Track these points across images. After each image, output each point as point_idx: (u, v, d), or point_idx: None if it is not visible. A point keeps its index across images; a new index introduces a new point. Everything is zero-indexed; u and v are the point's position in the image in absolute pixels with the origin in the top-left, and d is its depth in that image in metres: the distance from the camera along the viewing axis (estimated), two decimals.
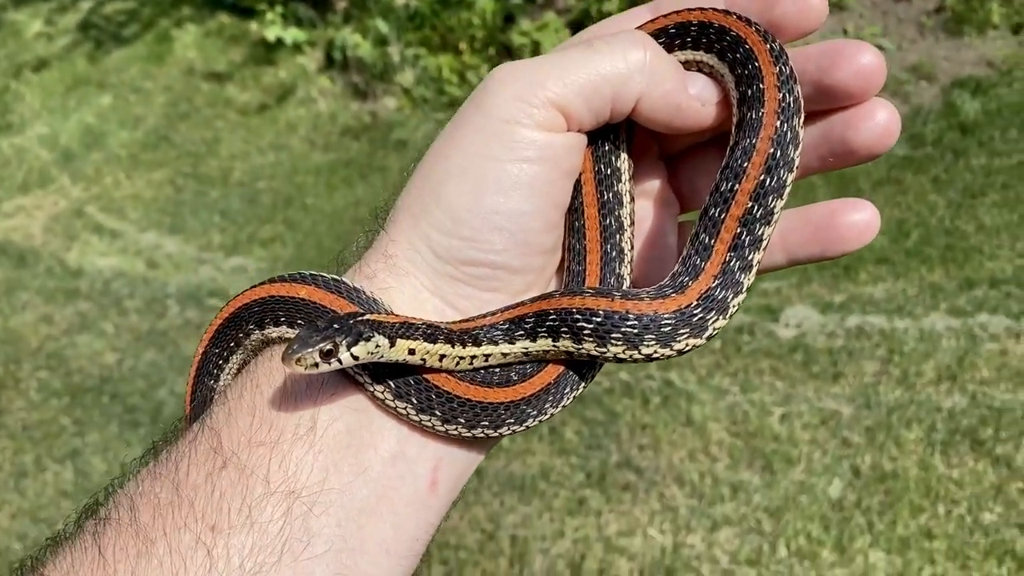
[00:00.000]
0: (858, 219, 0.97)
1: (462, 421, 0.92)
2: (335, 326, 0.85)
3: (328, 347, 0.84)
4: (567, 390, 0.97)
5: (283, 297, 0.94)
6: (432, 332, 0.90)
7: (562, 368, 0.97)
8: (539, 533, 3.89)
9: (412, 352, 0.88)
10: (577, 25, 7.29)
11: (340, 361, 0.84)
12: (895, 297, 4.91)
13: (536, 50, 7.26)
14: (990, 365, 4.40)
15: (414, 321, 0.89)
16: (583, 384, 0.98)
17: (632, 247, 1.03)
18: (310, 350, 0.83)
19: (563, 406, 0.97)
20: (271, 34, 7.76)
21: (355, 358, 0.85)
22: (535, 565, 3.77)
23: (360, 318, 0.87)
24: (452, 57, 7.34)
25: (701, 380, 4.55)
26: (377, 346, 0.86)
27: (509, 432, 0.94)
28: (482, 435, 0.93)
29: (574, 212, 1.02)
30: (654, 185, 1.09)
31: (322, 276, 0.94)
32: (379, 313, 0.90)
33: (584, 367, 0.98)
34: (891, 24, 7.15)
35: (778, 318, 4.89)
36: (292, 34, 7.77)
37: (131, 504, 0.86)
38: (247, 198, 6.80)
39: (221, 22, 8.66)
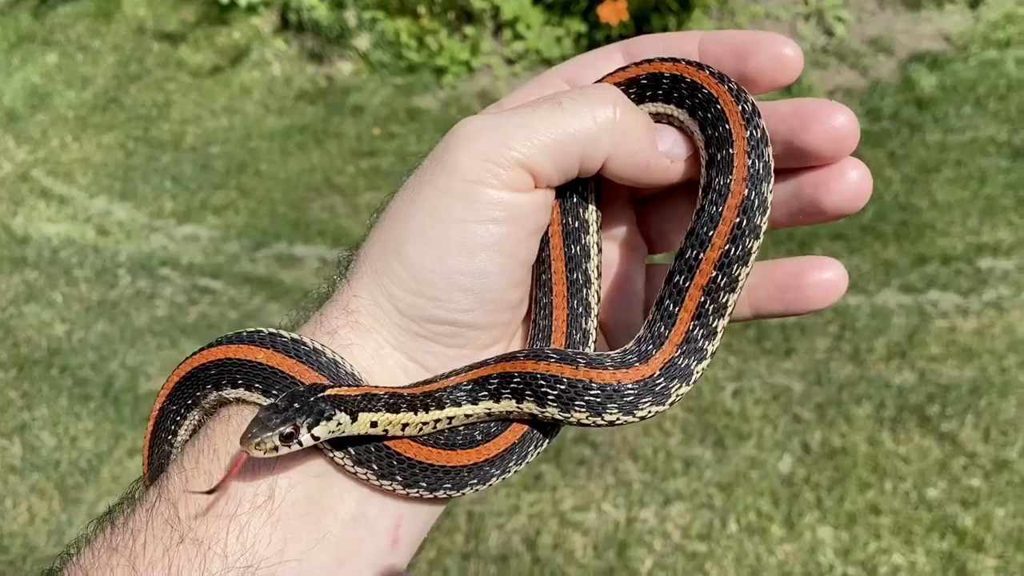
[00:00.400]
0: (825, 278, 0.96)
1: (424, 485, 0.91)
2: (295, 406, 0.83)
3: (288, 430, 0.82)
4: (531, 447, 0.97)
5: (241, 360, 0.92)
6: (394, 401, 0.89)
7: (526, 427, 0.96)
8: (495, 509, 3.92)
9: (374, 424, 0.87)
10: None
11: (300, 443, 0.83)
12: (849, 273, 4.95)
13: (496, 15, 7.15)
14: (939, 342, 4.49)
15: (376, 391, 0.88)
16: (547, 441, 0.98)
17: (599, 300, 1.03)
18: (269, 434, 0.82)
19: (527, 463, 0.97)
20: None
21: (315, 439, 0.84)
22: (491, 541, 3.80)
23: (321, 394, 0.85)
24: (410, 21, 7.20)
25: None
26: (339, 424, 0.85)
27: (472, 492, 0.93)
28: (444, 496, 0.92)
29: (541, 264, 1.01)
30: (622, 230, 1.07)
31: (280, 336, 0.92)
32: (340, 379, 0.88)
33: (548, 426, 0.97)
34: None
35: None
36: None
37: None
38: (200, 163, 6.65)
39: None
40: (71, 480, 4.31)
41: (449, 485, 0.92)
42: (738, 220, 0.90)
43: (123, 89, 7.49)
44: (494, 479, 0.94)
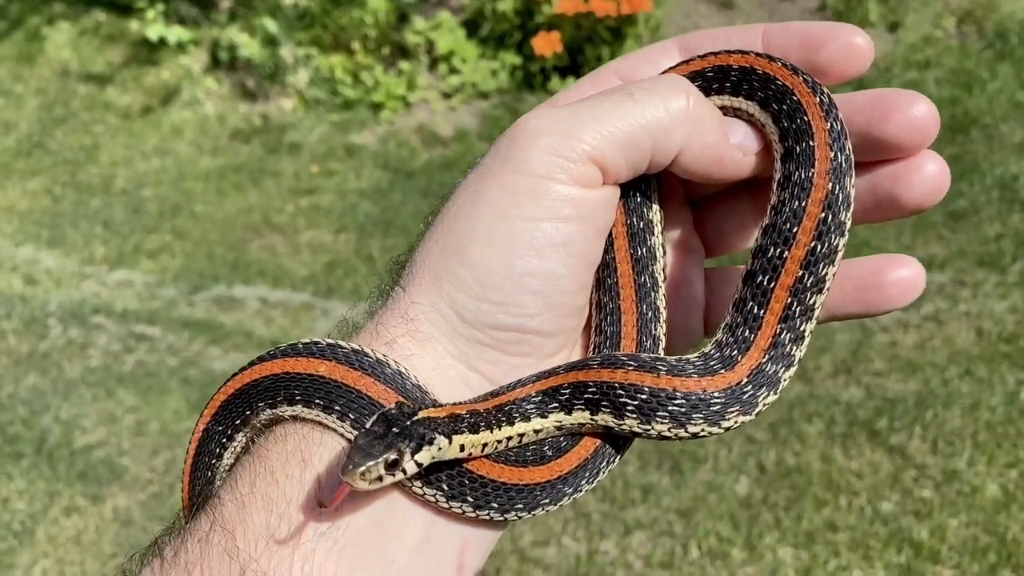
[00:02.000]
0: (904, 275, 0.92)
1: (495, 506, 0.84)
2: (394, 430, 0.76)
3: (393, 457, 0.75)
4: (603, 464, 0.90)
5: (299, 374, 0.85)
6: (475, 421, 0.82)
7: (598, 441, 0.89)
8: None
9: (463, 448, 0.81)
10: (471, 24, 7.22)
11: (404, 471, 0.76)
12: None
13: (431, 49, 7.15)
14: (882, 357, 4.56)
15: (458, 411, 0.82)
16: (619, 457, 0.91)
17: (667, 304, 0.97)
18: (374, 462, 0.74)
19: (598, 480, 0.90)
20: (153, 33, 7.39)
21: (419, 465, 0.77)
22: None
23: (415, 418, 0.79)
24: (345, 57, 7.16)
25: None
26: (440, 448, 0.78)
27: (543, 512, 0.87)
28: (515, 518, 0.86)
29: (605, 267, 0.94)
30: (679, 231, 1.03)
31: (341, 347, 0.85)
32: (406, 392, 0.82)
33: (621, 439, 0.90)
34: (775, 21, 7.34)
35: None
36: (175, 33, 7.43)
37: None
38: (131, 207, 6.47)
39: (97, 20, 8.22)
40: (3, 544, 4.09)
41: (521, 506, 0.85)
42: (823, 216, 0.85)
43: (48, 133, 7.27)
44: (565, 498, 0.87)
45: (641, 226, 0.95)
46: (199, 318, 5.38)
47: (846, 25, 0.89)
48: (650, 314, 0.94)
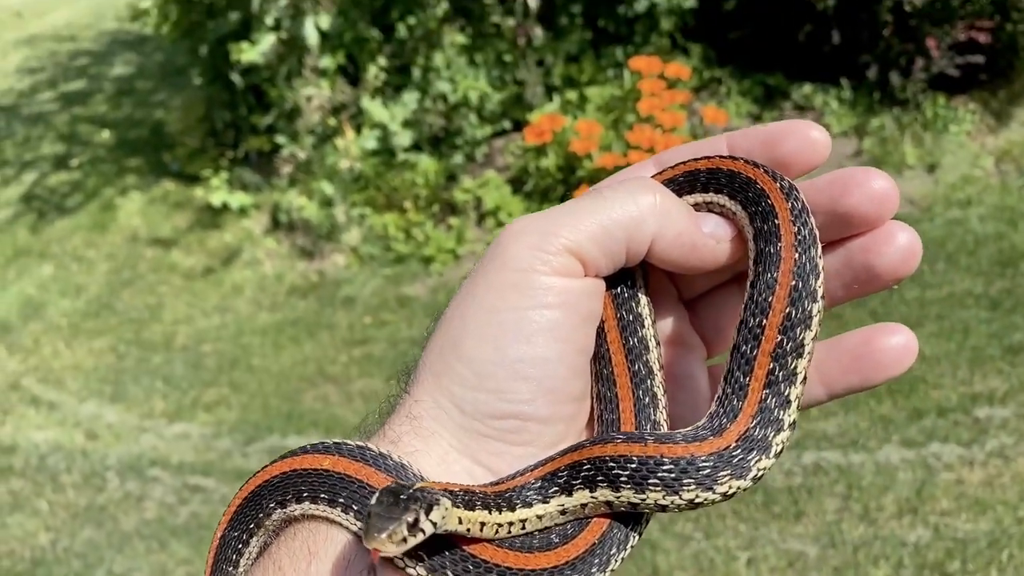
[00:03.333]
0: (895, 343, 0.94)
1: None
2: (402, 496, 0.79)
3: (413, 517, 0.77)
4: (613, 551, 0.90)
5: (305, 470, 0.89)
6: (469, 498, 0.85)
7: (606, 526, 0.91)
8: None
9: (460, 521, 0.83)
10: (516, 181, 7.54)
11: (423, 531, 0.78)
12: (848, 431, 4.93)
13: (479, 205, 7.46)
14: (948, 495, 4.40)
15: (451, 487, 0.85)
16: (630, 544, 0.92)
17: (664, 392, 1.00)
18: (397, 524, 0.76)
19: (610, 571, 0.90)
20: (216, 199, 7.85)
21: (433, 524, 0.79)
22: None
23: (417, 486, 0.81)
24: (397, 215, 7.49)
25: (664, 528, 4.45)
26: (445, 510, 0.80)
27: None
28: None
29: (600, 360, 0.99)
30: (678, 330, 1.07)
31: (345, 444, 0.89)
32: (409, 481, 0.85)
33: (629, 524, 0.92)
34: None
35: None
36: (238, 199, 7.88)
37: None
38: (191, 362, 6.67)
39: (166, 189, 8.76)
40: None
41: None
42: (794, 283, 0.90)
43: (116, 295, 7.62)
44: None
45: (631, 319, 1.00)
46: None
47: (802, 121, 0.97)
48: (647, 399, 0.97)
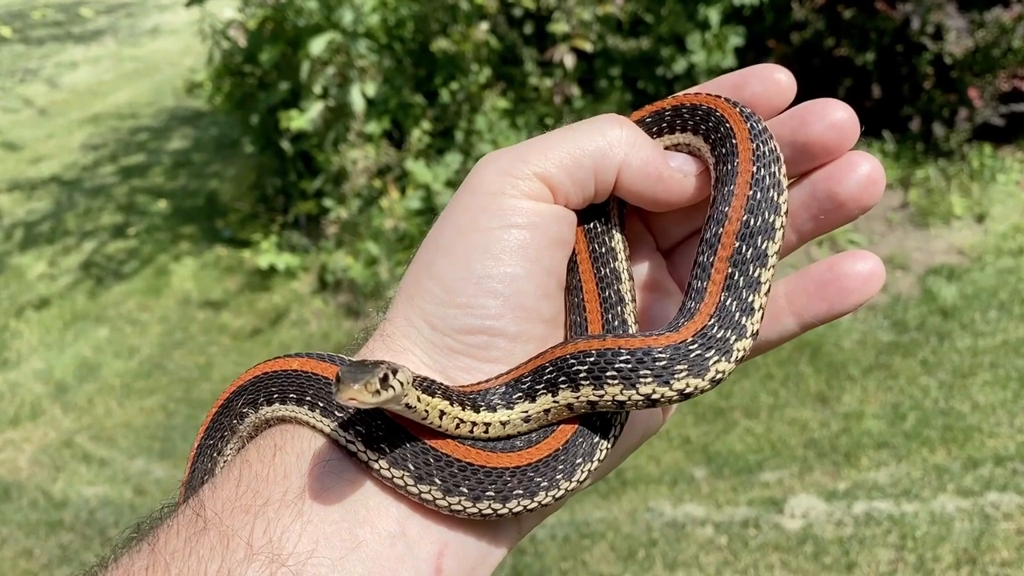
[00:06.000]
0: (860, 268, 0.96)
1: (465, 491, 0.85)
2: (368, 363, 0.81)
3: (383, 373, 0.79)
4: (579, 460, 0.91)
5: (276, 372, 0.92)
6: (429, 385, 0.86)
7: (570, 434, 0.92)
8: None
9: (419, 400, 0.84)
10: None
11: (392, 388, 0.80)
12: (900, 481, 4.78)
13: None
14: (1009, 545, 4.21)
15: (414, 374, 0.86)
16: (596, 456, 0.93)
17: (636, 322, 1.01)
18: (371, 375, 0.78)
19: (576, 481, 0.91)
20: (263, 261, 8.04)
21: (401, 385, 0.81)
22: None
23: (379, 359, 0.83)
24: None
25: None
26: (406, 377, 0.82)
27: (519, 508, 0.87)
28: (489, 511, 0.86)
29: (572, 290, 1.01)
30: (654, 276, 1.10)
31: (316, 352, 0.93)
32: None
33: (596, 435, 0.92)
34: (860, 221, 7.46)
35: (783, 509, 4.73)
36: (284, 260, 8.05)
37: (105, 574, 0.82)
38: None
39: (218, 254, 9.00)
40: None
41: (492, 493, 0.86)
42: (751, 193, 0.91)
43: (167, 355, 7.79)
44: (541, 493, 0.88)
45: (603, 251, 1.03)
46: None
47: (769, 64, 1.00)
48: (616, 323, 0.98)
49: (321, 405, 0.89)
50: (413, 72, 8.19)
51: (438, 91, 8.08)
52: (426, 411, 0.85)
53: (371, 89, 7.69)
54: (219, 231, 9.34)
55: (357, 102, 7.62)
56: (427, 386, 0.86)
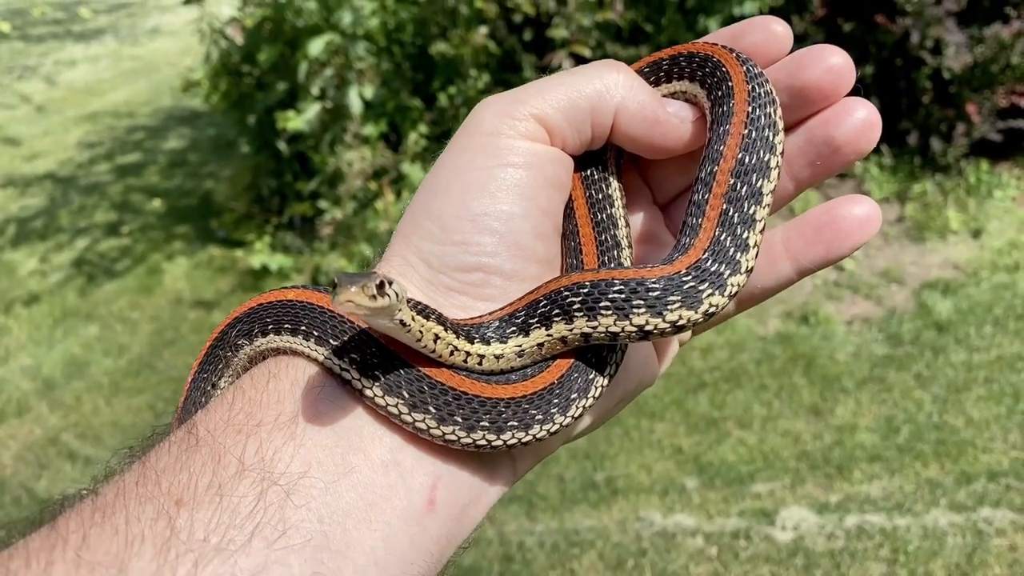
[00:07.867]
0: (857, 212, 0.96)
1: (459, 420, 0.84)
2: (365, 271, 0.80)
3: (380, 280, 0.77)
4: (574, 395, 0.90)
5: (271, 303, 0.91)
6: (423, 308, 0.85)
7: (566, 368, 0.91)
8: None
9: (413, 320, 0.83)
10: None
11: (388, 297, 0.78)
12: (893, 494, 4.74)
13: None
14: (1001, 562, 4.18)
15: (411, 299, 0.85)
16: (591, 392, 0.92)
17: (632, 264, 1.01)
18: (368, 280, 0.76)
19: (571, 416, 0.90)
20: (256, 261, 7.99)
21: (397, 295, 0.79)
22: None
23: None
24: None
25: None
26: (402, 290, 0.81)
27: (513, 440, 0.86)
28: (483, 442, 0.85)
29: (569, 235, 1.01)
30: (651, 228, 1.09)
31: (312, 285, 0.92)
32: None
33: (592, 371, 0.92)
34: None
35: (774, 521, 4.68)
36: (278, 261, 8.01)
37: (95, 490, 0.81)
38: None
39: (212, 254, 8.95)
40: None
41: (486, 423, 0.84)
42: (746, 131, 0.91)
43: (157, 354, 7.73)
44: (536, 426, 0.87)
45: (600, 198, 1.02)
46: None
47: (767, 16, 1.00)
48: (612, 266, 0.97)
49: (316, 335, 0.88)
50: (411, 75, 8.17)
51: (436, 95, 8.06)
52: (420, 332, 0.84)
53: (369, 91, 7.67)
54: (213, 231, 9.30)
55: (354, 104, 7.60)
56: (422, 308, 0.86)
